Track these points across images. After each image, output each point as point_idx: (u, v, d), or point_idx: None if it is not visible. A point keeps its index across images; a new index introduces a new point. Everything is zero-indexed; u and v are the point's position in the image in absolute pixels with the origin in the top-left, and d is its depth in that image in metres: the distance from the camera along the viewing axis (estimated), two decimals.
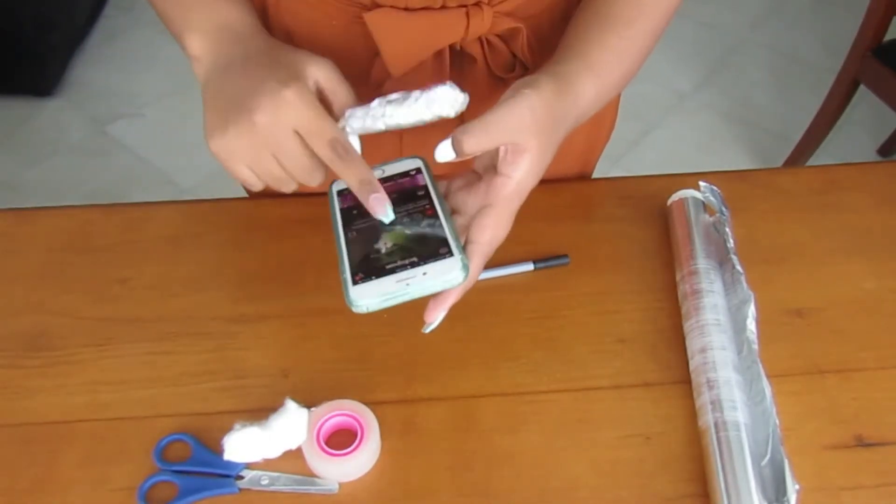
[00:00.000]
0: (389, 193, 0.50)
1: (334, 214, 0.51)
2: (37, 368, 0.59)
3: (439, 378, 0.58)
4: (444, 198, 0.51)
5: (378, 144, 0.69)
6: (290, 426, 0.52)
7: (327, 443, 0.53)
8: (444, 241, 0.46)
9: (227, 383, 0.58)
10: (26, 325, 0.62)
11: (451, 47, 0.59)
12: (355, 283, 0.46)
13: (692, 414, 0.56)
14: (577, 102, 0.51)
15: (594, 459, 0.54)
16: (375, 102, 0.49)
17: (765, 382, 0.54)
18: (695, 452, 0.54)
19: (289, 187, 0.50)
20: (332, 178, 0.52)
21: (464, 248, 0.47)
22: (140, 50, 2.15)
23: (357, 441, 0.53)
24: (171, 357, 0.60)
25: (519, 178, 0.47)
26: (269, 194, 0.75)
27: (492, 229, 0.47)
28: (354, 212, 0.50)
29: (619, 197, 0.71)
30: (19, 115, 1.98)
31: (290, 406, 0.53)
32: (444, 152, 0.46)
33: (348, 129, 0.49)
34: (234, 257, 0.67)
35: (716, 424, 0.52)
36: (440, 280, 0.45)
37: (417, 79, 0.58)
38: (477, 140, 0.46)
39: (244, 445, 0.52)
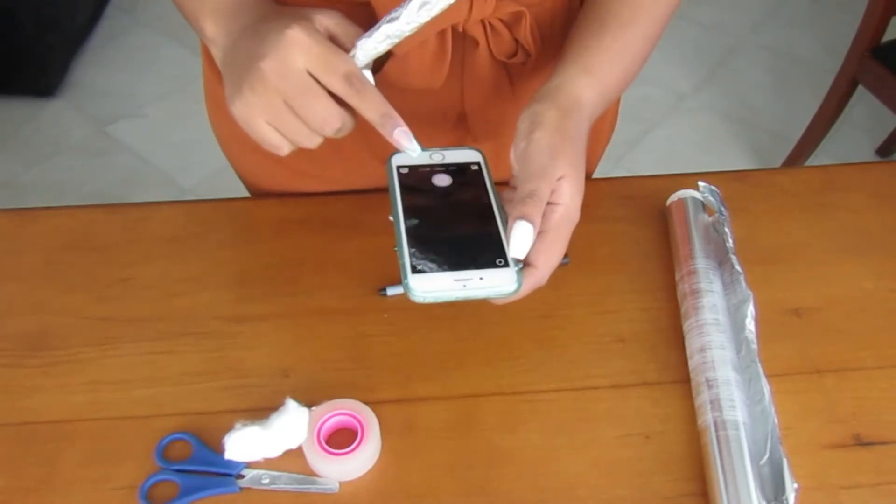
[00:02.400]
0: (449, 186, 0.51)
1: (394, 192, 0.51)
2: (38, 368, 0.59)
3: (439, 378, 0.58)
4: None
5: (380, 134, 0.69)
6: (291, 425, 0.52)
7: (328, 442, 0.53)
8: (501, 251, 0.48)
9: (227, 383, 0.58)
10: (27, 324, 0.62)
11: (454, 29, 0.59)
12: (414, 272, 0.46)
13: (691, 413, 0.56)
14: (582, 110, 0.52)
15: (594, 459, 0.54)
16: (380, 22, 0.49)
17: (763, 382, 0.54)
18: (694, 452, 0.54)
19: (312, 141, 0.49)
20: (373, 145, 0.50)
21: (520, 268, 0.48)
22: (141, 50, 2.16)
23: (357, 440, 0.53)
24: (172, 356, 0.60)
25: (565, 202, 0.49)
26: (269, 193, 0.76)
27: (546, 255, 0.48)
28: (415, 194, 0.51)
29: (619, 197, 0.71)
30: (21, 115, 1.98)
31: (291, 405, 0.53)
32: (521, 245, 0.47)
33: (361, 57, 0.49)
34: (235, 257, 0.67)
35: (715, 424, 0.53)
36: (494, 288, 0.46)
37: (419, 59, 0.59)
38: (533, 207, 0.47)
39: (245, 444, 0.52)
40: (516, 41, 0.61)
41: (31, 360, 0.60)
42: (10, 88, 2.01)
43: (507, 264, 0.47)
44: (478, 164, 0.53)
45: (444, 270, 0.46)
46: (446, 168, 0.53)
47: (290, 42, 0.46)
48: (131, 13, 2.27)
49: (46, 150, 1.91)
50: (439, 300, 0.46)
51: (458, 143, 0.69)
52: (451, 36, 0.59)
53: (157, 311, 0.63)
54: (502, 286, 0.46)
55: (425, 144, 0.54)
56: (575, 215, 0.50)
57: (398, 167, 0.53)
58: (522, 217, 0.46)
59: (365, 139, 0.69)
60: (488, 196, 0.51)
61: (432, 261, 0.47)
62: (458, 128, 0.69)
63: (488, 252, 0.48)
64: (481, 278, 0.46)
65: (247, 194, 0.81)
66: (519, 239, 0.47)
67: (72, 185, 1.83)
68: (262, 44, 0.47)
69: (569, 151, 0.49)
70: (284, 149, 0.50)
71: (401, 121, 0.48)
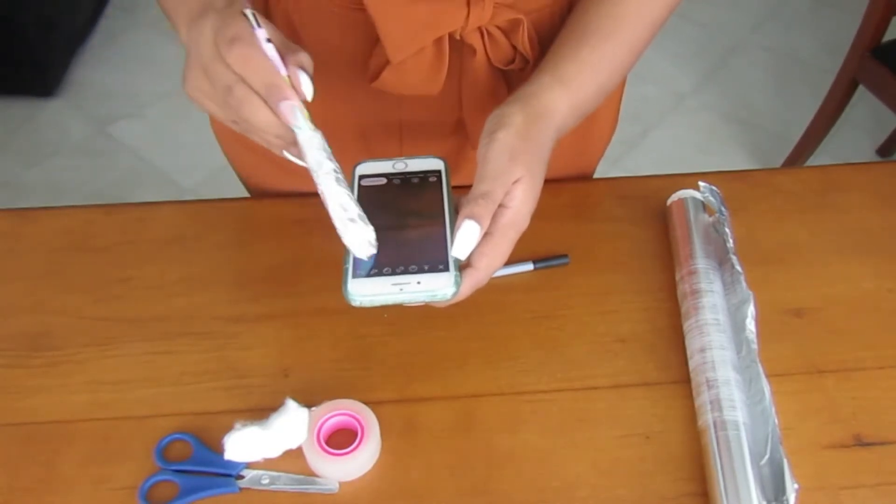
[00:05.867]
0: (406, 194, 0.51)
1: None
2: (38, 368, 0.59)
3: (439, 378, 0.58)
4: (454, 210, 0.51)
5: (379, 141, 0.69)
6: (291, 426, 0.52)
7: (328, 442, 0.53)
8: (444, 255, 0.47)
9: (227, 383, 0.58)
10: (27, 324, 0.62)
11: (452, 36, 0.59)
12: (355, 276, 0.47)
13: (692, 413, 0.56)
14: (551, 118, 0.52)
15: (594, 459, 0.54)
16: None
17: (764, 382, 0.54)
18: (694, 452, 0.54)
19: (248, 121, 0.47)
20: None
21: (461, 268, 0.48)
22: (141, 50, 2.16)
23: (357, 441, 0.53)
24: (172, 357, 0.60)
25: (515, 206, 0.48)
26: (268, 193, 0.76)
27: (488, 257, 0.48)
28: (369, 200, 0.51)
29: (619, 197, 0.71)
30: (20, 115, 1.98)
31: (291, 406, 0.53)
32: (465, 244, 0.47)
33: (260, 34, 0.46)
34: (234, 257, 0.67)
35: (715, 424, 0.53)
36: (431, 292, 0.46)
37: (416, 66, 0.59)
38: (484, 208, 0.47)
39: (245, 445, 0.52)
40: (514, 48, 0.61)
41: (31, 360, 0.60)
42: (10, 88, 2.01)
43: (446, 268, 0.47)
44: (438, 172, 0.53)
45: (384, 275, 0.47)
46: (406, 177, 0.53)
47: (207, 14, 0.45)
48: (131, 13, 2.26)
49: (46, 150, 1.91)
50: (376, 304, 0.46)
51: (456, 151, 0.69)
52: (448, 44, 0.59)
53: (157, 311, 0.63)
54: (439, 290, 0.46)
55: (423, 152, 0.54)
56: (523, 221, 0.49)
57: (360, 176, 0.53)
58: (471, 217, 0.46)
59: (363, 139, 0.69)
60: (442, 204, 0.51)
61: (374, 266, 0.47)
62: (457, 135, 0.69)
63: (431, 257, 0.48)
64: (419, 282, 0.46)
65: (247, 194, 0.81)
66: (463, 238, 0.46)
67: (72, 185, 1.83)
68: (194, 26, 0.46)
69: (528, 156, 0.49)
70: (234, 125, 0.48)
71: (290, 93, 0.44)
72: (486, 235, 0.48)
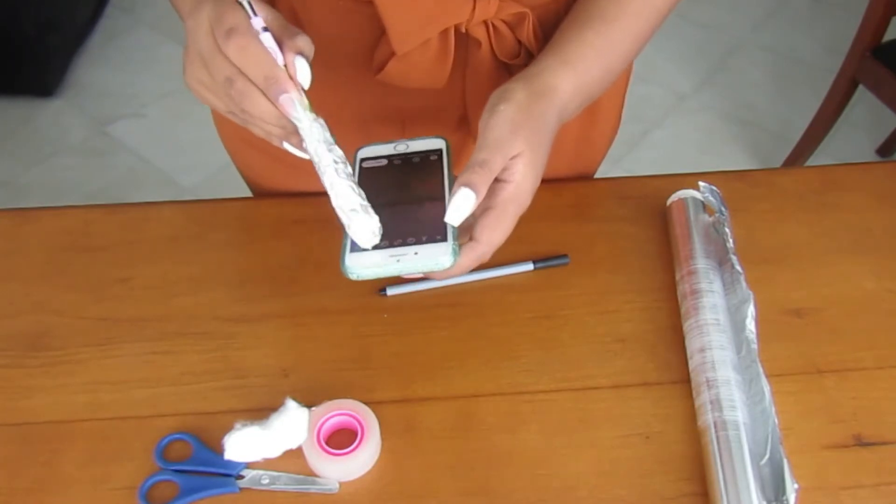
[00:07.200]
0: (407, 172, 0.51)
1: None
2: (38, 368, 0.59)
3: (439, 378, 0.58)
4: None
5: (382, 134, 0.69)
6: (291, 425, 0.52)
7: (328, 442, 0.53)
8: (442, 228, 0.47)
9: (227, 383, 0.58)
10: (27, 324, 0.62)
11: (457, 29, 0.59)
12: (353, 250, 0.47)
13: (691, 413, 0.56)
14: (554, 98, 0.52)
15: (594, 459, 0.54)
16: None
17: (764, 382, 0.54)
18: (694, 452, 0.54)
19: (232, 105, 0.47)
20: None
21: (461, 243, 0.48)
22: (141, 50, 2.16)
23: (357, 441, 0.53)
24: (172, 357, 0.60)
25: (517, 180, 0.48)
26: (270, 191, 0.75)
27: (490, 230, 0.48)
28: (369, 180, 0.51)
29: (619, 197, 0.71)
30: (20, 115, 1.98)
31: (291, 405, 0.53)
32: (459, 210, 0.46)
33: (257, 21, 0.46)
34: (234, 257, 0.67)
35: (715, 424, 0.53)
36: (429, 262, 0.46)
37: (421, 58, 0.59)
38: (481, 176, 0.47)
39: (245, 445, 0.52)
40: (519, 42, 0.61)
41: (31, 360, 0.60)
42: (10, 88, 2.01)
43: (444, 238, 0.47)
44: (439, 151, 0.53)
45: (381, 248, 0.47)
46: (408, 157, 0.53)
47: (204, 4, 0.45)
48: (131, 13, 2.27)
49: (46, 150, 1.91)
50: (374, 276, 0.46)
51: (459, 145, 0.69)
52: (453, 36, 0.59)
53: (157, 311, 0.63)
54: (436, 259, 0.46)
55: None
56: (525, 198, 0.49)
57: (362, 159, 0.54)
58: (466, 184, 0.46)
59: (365, 132, 0.69)
60: (442, 180, 0.51)
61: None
62: (460, 129, 0.69)
63: (429, 229, 0.48)
64: (416, 253, 0.46)
65: (247, 193, 0.81)
66: (457, 205, 0.46)
67: (72, 185, 1.83)
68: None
69: (529, 132, 0.49)
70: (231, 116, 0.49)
71: (288, 85, 0.44)
72: (487, 209, 0.48)
